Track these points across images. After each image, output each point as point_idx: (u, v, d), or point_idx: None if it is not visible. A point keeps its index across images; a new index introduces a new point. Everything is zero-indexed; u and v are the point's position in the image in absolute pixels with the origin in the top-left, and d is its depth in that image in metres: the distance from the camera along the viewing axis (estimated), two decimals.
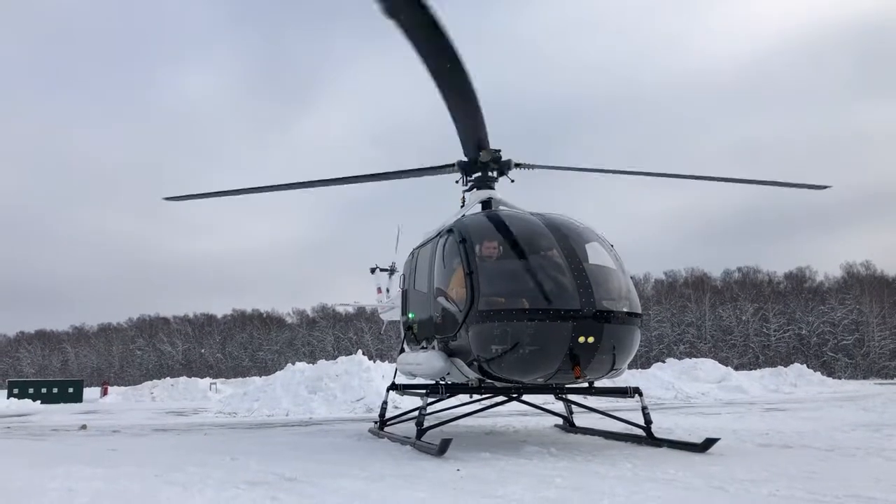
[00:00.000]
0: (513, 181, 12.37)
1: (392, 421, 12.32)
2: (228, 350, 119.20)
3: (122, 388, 48.80)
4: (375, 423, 12.71)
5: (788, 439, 10.66)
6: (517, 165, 12.18)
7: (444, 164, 12.40)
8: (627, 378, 21.73)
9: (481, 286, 9.06)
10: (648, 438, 9.97)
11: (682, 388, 27.07)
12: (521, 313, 8.70)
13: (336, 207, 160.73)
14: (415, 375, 11.69)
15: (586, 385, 10.14)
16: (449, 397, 10.57)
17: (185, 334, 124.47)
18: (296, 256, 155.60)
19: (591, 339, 8.59)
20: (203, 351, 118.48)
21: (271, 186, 13.62)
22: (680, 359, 36.24)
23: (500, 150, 11.97)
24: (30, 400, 33.42)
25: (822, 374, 39.82)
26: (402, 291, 12.50)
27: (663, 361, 34.76)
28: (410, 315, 11.62)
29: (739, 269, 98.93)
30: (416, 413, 10.30)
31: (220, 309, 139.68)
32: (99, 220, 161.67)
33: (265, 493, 6.32)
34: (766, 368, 38.83)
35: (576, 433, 12.00)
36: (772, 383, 31.75)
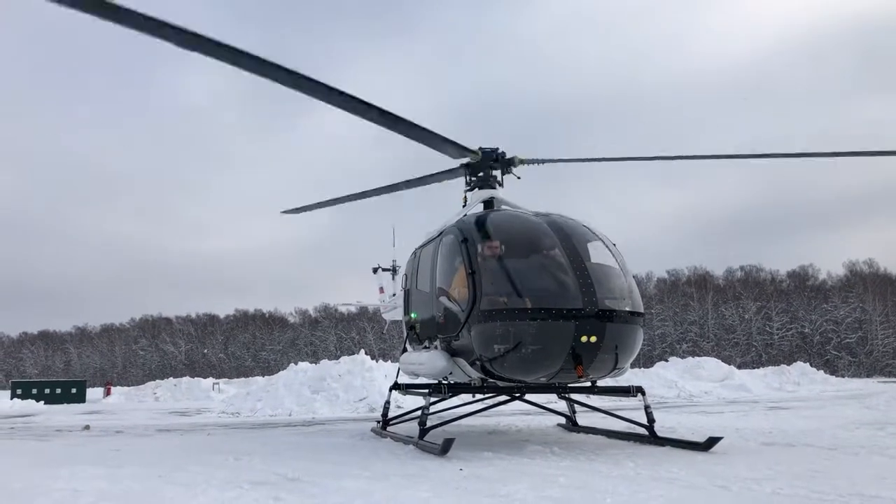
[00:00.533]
0: (519, 178, 12.34)
1: (395, 420, 12.33)
2: (231, 350, 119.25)
3: (126, 388, 48.86)
4: (378, 422, 12.72)
5: (792, 438, 10.65)
6: (522, 162, 12.14)
7: (448, 168, 12.38)
8: (630, 377, 21.71)
9: (483, 286, 9.07)
10: (651, 437, 9.96)
11: (684, 387, 27.04)
12: (524, 313, 8.70)
13: (337, 207, 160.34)
14: (417, 375, 11.71)
15: (589, 384, 10.14)
16: (451, 397, 10.58)
17: (187, 334, 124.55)
18: (298, 256, 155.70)
19: (593, 339, 8.60)
20: (206, 351, 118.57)
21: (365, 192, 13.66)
22: (683, 357, 36.18)
23: (497, 149, 11.96)
24: (33, 400, 33.46)
25: (825, 372, 39.76)
26: (405, 291, 12.50)
27: (666, 360, 34.71)
28: (413, 315, 11.63)
29: (742, 268, 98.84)
30: (418, 413, 10.30)
31: (223, 309, 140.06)
32: (101, 220, 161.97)
33: (268, 493, 6.33)
34: (769, 367, 38.78)
35: (578, 432, 12.00)
36: (775, 382, 31.71)
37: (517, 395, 10.74)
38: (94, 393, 44.02)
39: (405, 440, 10.37)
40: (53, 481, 7.13)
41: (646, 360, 64.37)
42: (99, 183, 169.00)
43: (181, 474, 7.56)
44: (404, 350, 12.39)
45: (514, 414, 16.35)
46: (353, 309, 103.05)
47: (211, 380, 41.87)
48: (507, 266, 9.55)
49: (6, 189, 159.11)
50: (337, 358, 24.87)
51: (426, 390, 10.51)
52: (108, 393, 40.09)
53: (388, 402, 12.52)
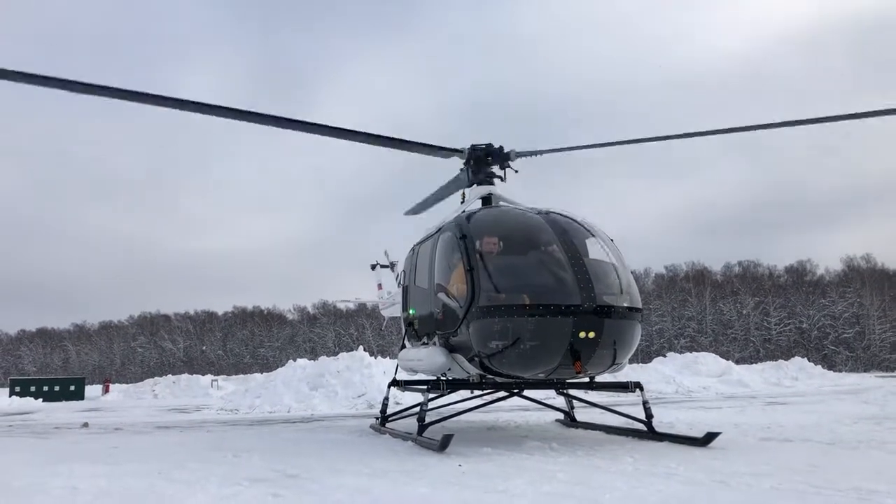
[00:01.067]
0: (517, 172, 12.30)
1: (393, 417, 12.33)
2: (230, 347, 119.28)
3: (124, 385, 48.88)
4: (377, 419, 12.73)
5: (790, 433, 10.67)
6: (519, 155, 12.11)
7: (452, 147, 12.30)
8: (628, 373, 21.74)
9: (482, 282, 9.07)
10: (650, 433, 9.98)
11: (682, 383, 27.07)
12: (522, 309, 8.71)
13: (336, 204, 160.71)
14: (416, 371, 11.71)
15: (587, 380, 10.15)
16: (450, 393, 10.58)
17: (186, 331, 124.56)
18: (296, 253, 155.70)
19: (591, 335, 8.60)
20: (204, 348, 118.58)
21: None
22: (681, 353, 36.22)
23: (493, 144, 11.95)
24: (32, 398, 33.49)
25: (823, 367, 39.82)
26: (403, 287, 12.50)
27: (664, 356, 34.77)
28: (411, 311, 11.62)
29: (740, 263, 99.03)
30: (417, 409, 10.30)
31: (221, 306, 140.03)
32: (100, 218, 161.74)
33: (267, 490, 6.34)
34: (767, 362, 38.81)
35: (577, 428, 12.02)
36: (773, 377, 31.76)
37: (516, 391, 10.75)
38: (92, 390, 44.02)
39: (404, 436, 10.38)
40: (52, 479, 7.14)
41: (644, 356, 64.44)
42: (97, 180, 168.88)
43: (180, 471, 7.56)
44: (403, 346, 12.39)
45: (512, 410, 16.37)
46: (351, 305, 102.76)
47: (209, 377, 41.88)
48: (506, 262, 9.56)
49: (4, 187, 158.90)
50: (335, 354, 24.87)
51: (425, 386, 10.51)
52: (106, 390, 40.08)
53: (386, 399, 12.53)
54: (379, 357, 25.19)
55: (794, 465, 7.36)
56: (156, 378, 40.80)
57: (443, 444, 8.70)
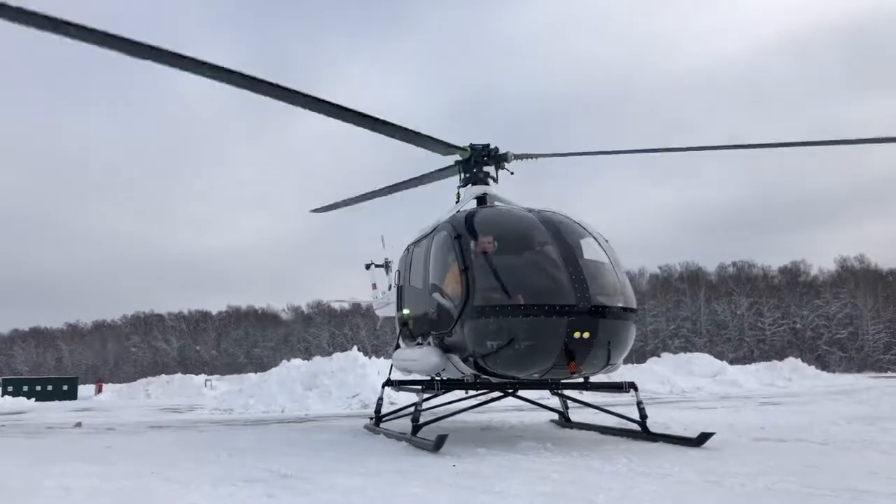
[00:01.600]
0: (512, 173, 12.31)
1: (388, 417, 12.32)
2: (223, 347, 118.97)
3: (117, 385, 48.67)
4: (371, 419, 12.72)
5: (783, 433, 10.70)
6: (516, 157, 12.12)
7: (443, 167, 12.39)
8: (623, 373, 21.74)
9: (476, 282, 9.06)
10: (644, 433, 9.99)
11: (677, 383, 27.12)
12: (517, 309, 8.71)
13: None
14: (410, 371, 11.70)
15: (582, 380, 10.16)
16: (444, 393, 10.57)
17: (180, 331, 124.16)
18: (290, 252, 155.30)
19: (586, 335, 8.61)
20: (198, 348, 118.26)
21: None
22: (675, 353, 36.34)
23: (489, 145, 11.97)
24: (24, 398, 33.39)
25: (817, 367, 40.00)
26: (398, 287, 12.49)
27: (658, 356, 34.87)
28: (406, 311, 11.61)
29: (734, 264, 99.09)
30: (411, 409, 10.30)
31: (215, 306, 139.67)
32: (93, 217, 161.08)
33: (261, 490, 6.33)
34: (761, 362, 38.93)
35: (571, 428, 12.02)
36: (766, 377, 31.86)
37: (510, 391, 10.75)
38: (85, 390, 43.90)
39: (398, 436, 10.37)
40: (45, 479, 7.11)
41: (638, 356, 64.52)
42: (91, 180, 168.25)
43: (174, 471, 7.54)
44: (397, 346, 12.38)
45: (507, 410, 16.37)
46: (345, 305, 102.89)
47: (203, 377, 41.82)
48: (500, 262, 9.55)
49: None
50: (330, 354, 24.84)
51: (419, 387, 10.51)
52: (99, 390, 39.99)
53: (381, 399, 12.50)
54: (373, 357, 25.19)
55: (788, 465, 7.38)
56: (149, 378, 40.66)
57: (437, 445, 8.69)
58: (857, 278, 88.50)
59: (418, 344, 10.94)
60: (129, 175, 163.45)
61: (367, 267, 21.99)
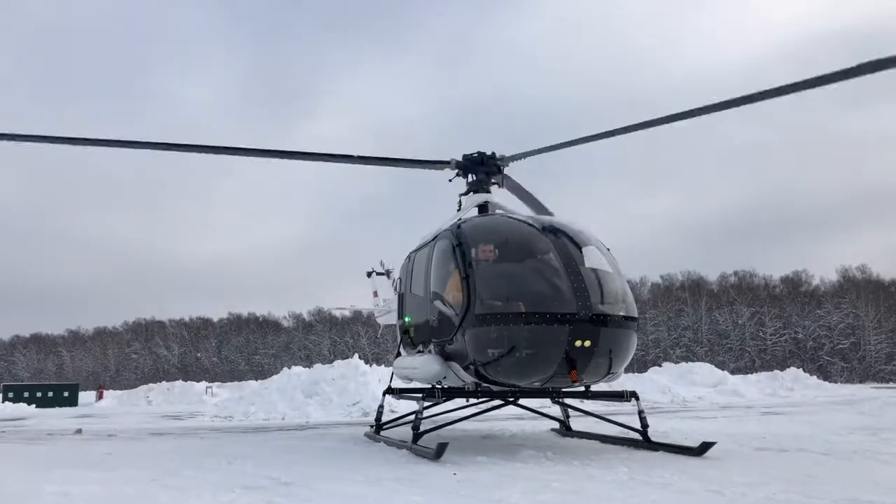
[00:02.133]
0: (512, 178, 12.33)
1: (388, 425, 12.30)
2: (224, 354, 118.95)
3: (118, 392, 48.67)
4: (371, 426, 12.69)
5: (785, 443, 10.67)
6: (511, 160, 12.12)
7: (440, 159, 12.36)
8: (624, 382, 21.74)
9: (478, 290, 9.06)
10: (645, 442, 9.96)
11: (678, 392, 27.08)
12: (518, 317, 8.70)
13: (332, 211, 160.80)
14: (411, 379, 11.69)
15: (583, 389, 10.14)
16: (445, 401, 10.55)
17: (181, 338, 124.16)
18: (292, 260, 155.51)
19: (587, 343, 8.60)
20: (199, 355, 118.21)
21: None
22: (676, 363, 36.25)
23: (485, 152, 12.05)
24: (25, 404, 33.32)
25: (819, 378, 39.86)
26: (399, 295, 12.49)
27: (660, 365, 34.81)
28: (407, 319, 11.61)
29: (736, 273, 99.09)
30: (412, 417, 10.28)
31: (217, 313, 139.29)
32: (95, 223, 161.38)
33: (261, 498, 6.31)
34: (763, 372, 38.84)
35: (572, 437, 12.00)
36: (768, 387, 31.78)
37: (511, 399, 10.73)
38: (86, 397, 43.90)
39: (399, 444, 10.35)
40: (45, 485, 7.09)
41: (639, 365, 64.49)
42: (92, 186, 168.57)
43: (174, 478, 7.53)
44: (398, 354, 12.37)
45: (507, 418, 16.33)
46: (347, 313, 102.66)
47: (204, 384, 41.76)
48: (502, 270, 9.56)
49: None
50: (331, 362, 24.82)
51: (420, 395, 10.49)
52: (100, 397, 39.94)
53: (381, 407, 12.49)
54: (374, 365, 25.15)
55: (790, 475, 7.36)
56: (150, 385, 40.64)
57: (437, 453, 8.67)
58: (859, 288, 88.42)
59: (419, 352, 10.93)
60: (131, 181, 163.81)
61: (369, 274, 22.02)
